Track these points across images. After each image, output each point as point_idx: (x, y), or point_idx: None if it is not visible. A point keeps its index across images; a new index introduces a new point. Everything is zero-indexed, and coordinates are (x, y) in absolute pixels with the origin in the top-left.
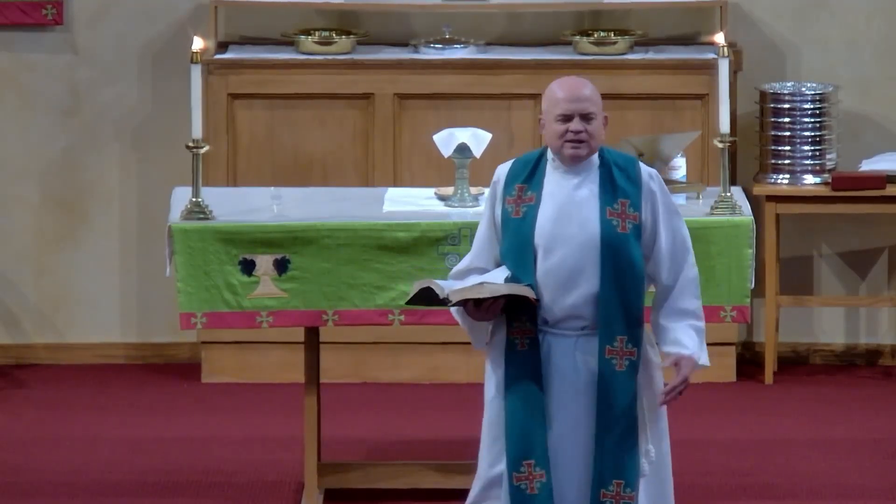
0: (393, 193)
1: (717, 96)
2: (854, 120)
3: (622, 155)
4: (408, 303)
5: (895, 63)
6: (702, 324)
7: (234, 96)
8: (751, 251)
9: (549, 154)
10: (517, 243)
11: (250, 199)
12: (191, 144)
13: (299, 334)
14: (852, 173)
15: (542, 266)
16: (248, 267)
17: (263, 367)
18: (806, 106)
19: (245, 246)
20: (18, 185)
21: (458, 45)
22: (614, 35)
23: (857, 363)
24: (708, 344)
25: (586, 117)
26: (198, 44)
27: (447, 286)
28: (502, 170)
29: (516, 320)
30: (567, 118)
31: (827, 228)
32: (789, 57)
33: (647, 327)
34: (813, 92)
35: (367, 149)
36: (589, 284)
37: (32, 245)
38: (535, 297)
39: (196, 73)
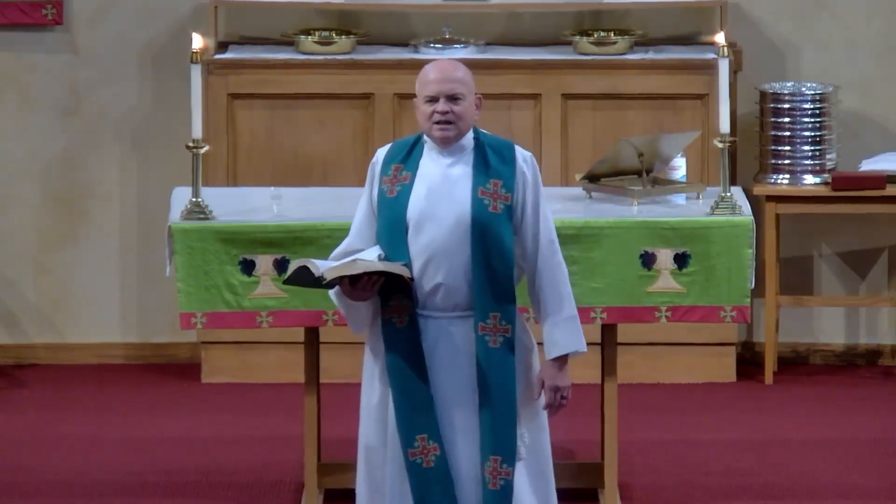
0: None
1: (717, 96)
2: (854, 120)
3: (499, 139)
4: (286, 282)
5: (895, 63)
6: (572, 311)
7: (234, 96)
8: (751, 251)
9: (426, 137)
10: (390, 221)
11: (250, 199)
12: (191, 144)
13: (299, 334)
14: (852, 173)
15: (414, 243)
16: (248, 267)
17: (263, 367)
18: (806, 106)
19: (245, 246)
20: (18, 185)
21: (458, 45)
22: (614, 35)
23: (857, 363)
24: (708, 344)
25: (453, 98)
26: (198, 42)
27: (323, 265)
28: (380, 153)
29: (392, 299)
30: (434, 99)
31: (827, 228)
32: (789, 57)
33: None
34: (813, 92)
35: (367, 149)
36: (458, 262)
37: (32, 245)
38: (409, 275)
39: (196, 73)
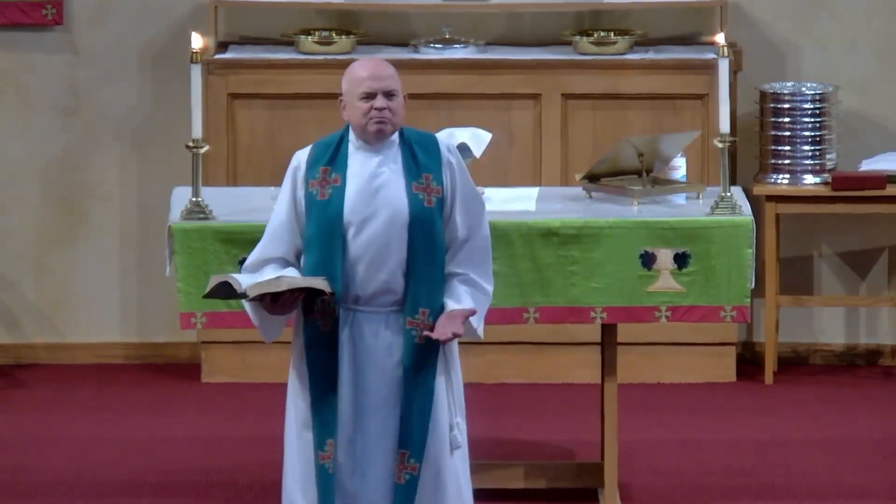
0: None
1: (717, 96)
2: (854, 120)
3: (421, 133)
4: (205, 297)
5: (895, 63)
6: (488, 294)
7: (234, 96)
8: (751, 251)
9: (351, 135)
10: (325, 225)
11: (250, 199)
12: (191, 144)
13: None
14: (852, 173)
15: (353, 244)
16: None
17: (263, 367)
18: (806, 106)
19: (245, 246)
20: (18, 185)
21: (458, 45)
22: (614, 35)
23: (857, 363)
24: (708, 344)
25: (389, 94)
26: (197, 42)
27: (245, 282)
28: (302, 155)
29: (316, 303)
30: (370, 96)
31: (827, 228)
32: (789, 57)
33: None
34: (813, 92)
35: None
36: (398, 259)
37: (32, 245)
38: (330, 289)
39: (196, 72)
